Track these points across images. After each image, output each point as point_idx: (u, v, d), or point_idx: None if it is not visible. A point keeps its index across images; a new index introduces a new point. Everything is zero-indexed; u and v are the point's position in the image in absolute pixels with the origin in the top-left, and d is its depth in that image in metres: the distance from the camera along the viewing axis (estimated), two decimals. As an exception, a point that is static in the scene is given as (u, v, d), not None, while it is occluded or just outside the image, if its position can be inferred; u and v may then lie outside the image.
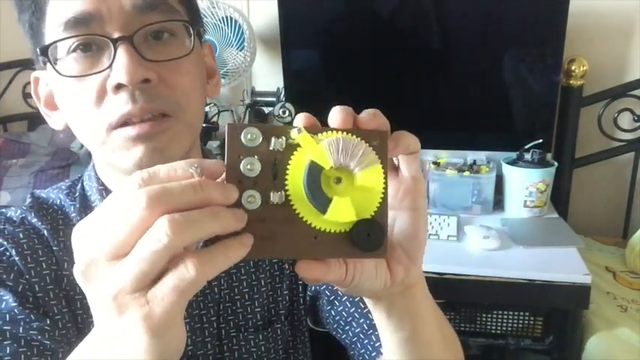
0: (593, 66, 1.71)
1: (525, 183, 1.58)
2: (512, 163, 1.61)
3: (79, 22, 0.55)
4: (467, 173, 1.62)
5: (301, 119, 0.39)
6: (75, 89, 0.57)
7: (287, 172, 0.36)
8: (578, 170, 1.82)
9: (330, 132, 0.37)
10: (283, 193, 0.36)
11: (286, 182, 0.36)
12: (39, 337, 0.57)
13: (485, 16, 1.69)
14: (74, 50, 0.56)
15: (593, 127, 1.78)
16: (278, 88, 1.87)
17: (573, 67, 1.68)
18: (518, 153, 1.62)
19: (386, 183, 0.37)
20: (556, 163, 1.60)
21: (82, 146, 1.91)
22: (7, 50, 2.01)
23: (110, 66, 0.55)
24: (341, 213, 0.36)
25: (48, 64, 0.57)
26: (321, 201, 0.36)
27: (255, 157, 0.36)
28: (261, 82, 2.00)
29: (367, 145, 0.37)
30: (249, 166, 0.35)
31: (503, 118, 1.77)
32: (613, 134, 1.80)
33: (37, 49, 0.58)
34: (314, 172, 0.36)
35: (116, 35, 0.54)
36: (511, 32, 1.68)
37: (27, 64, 2.02)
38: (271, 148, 0.36)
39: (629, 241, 1.64)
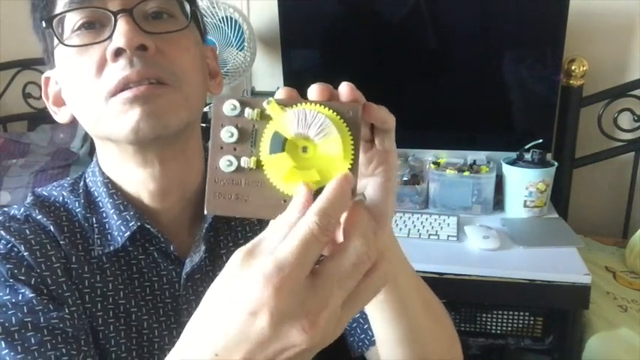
0: (593, 66, 1.71)
1: (525, 183, 1.58)
2: (512, 163, 1.61)
3: (84, 0, 0.58)
4: (467, 173, 1.62)
5: (280, 92, 0.41)
6: (77, 62, 0.59)
7: (261, 140, 0.40)
8: (578, 170, 1.82)
9: (302, 104, 0.40)
10: (256, 158, 0.40)
11: (260, 149, 0.40)
12: (60, 325, 0.58)
13: (485, 16, 1.69)
14: (79, 28, 0.58)
15: (593, 127, 1.78)
16: (278, 88, 1.87)
17: (573, 67, 1.68)
18: (518, 153, 1.62)
19: (356, 153, 0.39)
20: (556, 163, 1.60)
21: (82, 146, 1.91)
22: (7, 50, 2.01)
23: (110, 36, 0.57)
24: (278, 168, 0.39)
25: (54, 37, 0.60)
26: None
27: (236, 125, 0.40)
28: (261, 82, 2.00)
29: (337, 117, 0.39)
30: (227, 134, 0.40)
31: (503, 118, 1.77)
32: (613, 134, 1.80)
33: (43, 22, 0.60)
34: (277, 140, 0.39)
35: (117, 9, 0.57)
36: (511, 32, 1.68)
37: (27, 64, 2.03)
38: (248, 118, 0.40)
39: (629, 241, 1.64)
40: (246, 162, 0.40)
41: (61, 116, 0.66)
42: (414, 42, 1.76)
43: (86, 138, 1.91)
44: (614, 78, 1.77)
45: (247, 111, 0.40)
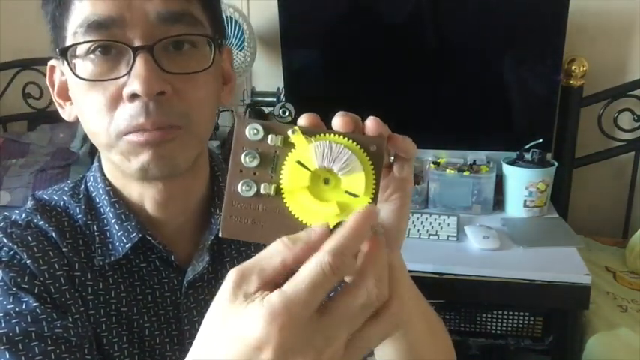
0: (593, 66, 1.71)
1: (525, 183, 1.58)
2: (512, 163, 1.61)
3: (102, 25, 0.55)
4: (467, 173, 1.62)
5: (303, 119, 0.40)
6: (90, 91, 0.57)
7: (282, 167, 0.39)
8: (578, 170, 1.82)
9: (326, 135, 0.39)
10: (275, 186, 0.39)
11: (281, 176, 0.39)
12: (64, 334, 0.57)
13: (486, 16, 1.69)
14: (93, 52, 0.56)
15: (593, 127, 1.78)
16: (278, 88, 1.87)
17: (573, 67, 1.68)
18: (518, 153, 1.62)
19: (377, 188, 0.39)
20: (556, 163, 1.61)
21: (82, 146, 1.91)
22: (7, 50, 2.01)
23: (128, 73, 0.55)
24: (294, 181, 0.39)
25: (66, 65, 0.57)
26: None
27: (257, 150, 0.39)
28: (261, 82, 2.00)
29: (361, 151, 0.39)
30: (248, 158, 0.39)
31: (503, 118, 1.77)
32: (613, 134, 1.80)
33: (57, 50, 0.58)
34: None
35: (137, 44, 0.55)
36: (511, 32, 1.68)
37: (27, 64, 2.02)
38: (270, 144, 0.39)
39: (629, 241, 1.64)
40: (266, 188, 0.39)
41: (67, 113, 0.65)
42: (415, 42, 1.76)
43: (86, 138, 1.91)
44: (614, 78, 1.77)
45: (270, 137, 0.39)
